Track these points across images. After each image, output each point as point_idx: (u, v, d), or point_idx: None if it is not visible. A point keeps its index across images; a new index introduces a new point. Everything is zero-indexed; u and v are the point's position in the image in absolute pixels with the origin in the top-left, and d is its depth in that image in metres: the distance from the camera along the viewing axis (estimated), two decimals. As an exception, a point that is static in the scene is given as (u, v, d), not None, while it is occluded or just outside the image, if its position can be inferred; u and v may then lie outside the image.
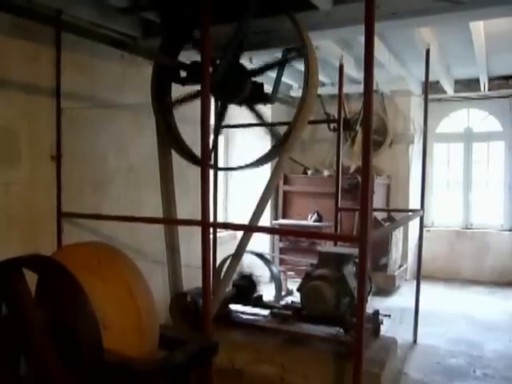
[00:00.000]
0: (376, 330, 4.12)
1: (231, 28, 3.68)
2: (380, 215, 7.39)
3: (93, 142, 4.32)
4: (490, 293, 7.41)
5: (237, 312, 4.53)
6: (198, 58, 3.29)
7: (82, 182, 4.22)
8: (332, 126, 7.57)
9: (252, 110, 3.99)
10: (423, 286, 5.39)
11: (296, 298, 4.60)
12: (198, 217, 3.14)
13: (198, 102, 3.16)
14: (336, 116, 5.87)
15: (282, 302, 4.82)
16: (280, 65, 3.96)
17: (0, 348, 2.20)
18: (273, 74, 4.19)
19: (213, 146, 4.04)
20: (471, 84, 7.86)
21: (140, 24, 4.44)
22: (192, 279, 3.97)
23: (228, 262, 3.86)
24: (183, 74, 3.87)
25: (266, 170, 5.01)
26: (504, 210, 8.48)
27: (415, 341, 5.15)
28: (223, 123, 4.33)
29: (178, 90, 4.10)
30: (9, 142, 3.63)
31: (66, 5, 3.72)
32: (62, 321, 2.14)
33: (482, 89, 7.69)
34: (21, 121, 3.69)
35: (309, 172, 8.31)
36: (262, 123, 4.07)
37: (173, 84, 4.13)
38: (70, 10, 3.77)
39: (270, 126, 4.14)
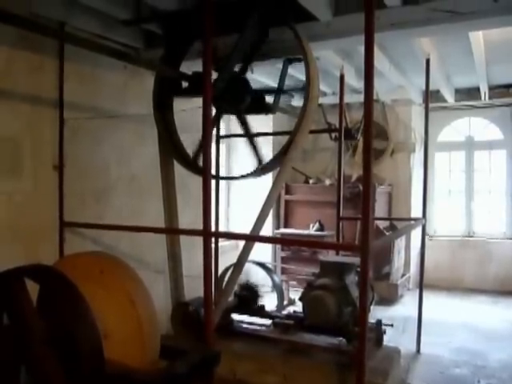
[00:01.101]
0: (379, 340, 4.10)
1: (233, 39, 3.71)
2: (382, 224, 7.38)
3: (95, 151, 4.34)
4: (493, 302, 7.37)
5: (238, 322, 4.52)
6: (199, 68, 3.31)
7: (84, 191, 4.23)
8: (333, 135, 7.60)
9: (241, 121, 4.00)
10: (426, 295, 5.37)
11: (298, 307, 4.59)
12: (200, 226, 3.15)
13: (199, 112, 3.18)
14: (337, 125, 5.89)
15: (284, 312, 4.81)
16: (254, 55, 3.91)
17: (1, 357, 2.20)
18: (274, 84, 4.22)
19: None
20: (472, 93, 7.89)
21: (142, 35, 4.49)
22: (193, 289, 3.96)
23: (230, 271, 3.85)
24: (185, 84, 3.90)
25: (267, 179, 5.01)
26: (506, 218, 8.47)
27: (418, 350, 5.12)
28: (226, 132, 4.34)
29: (179, 100, 4.13)
30: (12, 152, 3.66)
31: (70, 17, 3.77)
32: (63, 330, 2.14)
33: (483, 97, 7.71)
34: (24, 131, 3.72)
35: (310, 181, 8.32)
36: (263, 133, 4.08)
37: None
38: (74, 22, 3.82)
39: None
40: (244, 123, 3.96)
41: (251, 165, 4.02)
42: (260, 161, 3.90)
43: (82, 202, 4.19)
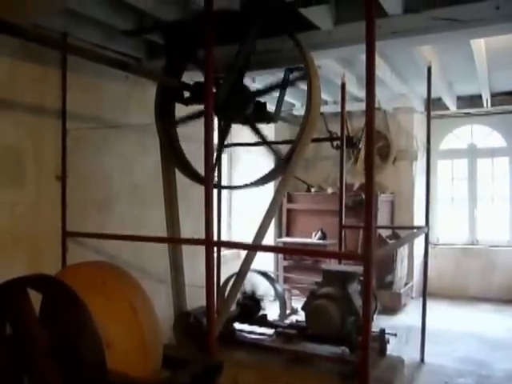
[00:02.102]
0: (382, 350, 4.07)
1: (234, 49, 3.72)
2: (384, 232, 7.36)
3: (97, 161, 4.35)
4: (497, 310, 7.31)
5: (241, 331, 4.50)
6: (201, 78, 3.33)
7: (87, 201, 4.23)
8: (335, 143, 7.60)
9: (253, 128, 4.01)
10: (429, 304, 5.34)
11: (301, 316, 4.57)
12: (202, 235, 3.14)
13: (201, 121, 3.19)
14: (339, 134, 5.89)
15: (287, 321, 4.79)
16: (283, 87, 3.99)
17: (3, 367, 2.19)
18: (276, 93, 4.23)
19: (217, 165, 4.05)
20: (474, 100, 7.89)
21: (144, 45, 4.51)
22: (196, 298, 3.95)
23: (232, 280, 3.84)
24: (186, 94, 3.91)
25: (269, 188, 5.01)
26: (510, 225, 8.42)
27: (422, 360, 5.08)
28: (226, 142, 4.35)
29: (181, 110, 4.14)
30: (15, 162, 3.67)
31: (72, 28, 3.79)
32: (66, 340, 2.13)
33: (485, 105, 7.71)
34: (27, 141, 3.73)
35: (312, 190, 8.31)
36: (264, 142, 4.08)
37: (176, 104, 4.17)
38: (76, 33, 3.84)
39: (272, 145, 4.13)
40: (254, 129, 3.98)
41: (253, 173, 4.02)
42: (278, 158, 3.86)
43: (84, 211, 4.19)
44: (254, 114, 3.89)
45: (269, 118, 4.02)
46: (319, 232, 7.56)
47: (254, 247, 3.60)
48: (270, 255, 7.96)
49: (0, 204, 3.55)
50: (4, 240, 3.54)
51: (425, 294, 5.28)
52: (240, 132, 4.70)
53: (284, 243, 7.74)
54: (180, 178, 4.21)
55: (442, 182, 8.93)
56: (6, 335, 2.22)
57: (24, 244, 3.68)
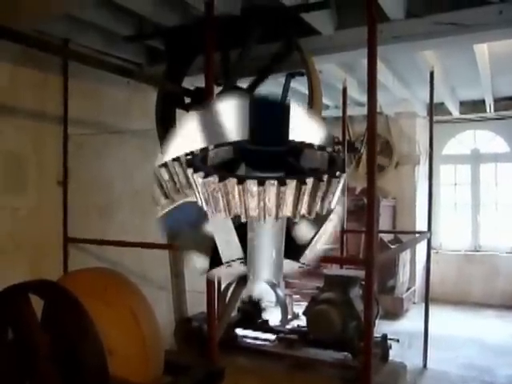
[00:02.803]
0: (384, 355, 4.05)
1: (234, 54, 3.73)
2: (386, 237, 7.34)
3: (99, 167, 4.35)
4: (500, 316, 7.26)
5: (242, 336, 4.48)
6: (202, 83, 3.32)
7: (88, 207, 4.23)
8: (336, 148, 7.58)
9: None
10: (432, 310, 5.30)
11: (302, 321, 4.55)
12: (203, 241, 3.12)
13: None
14: (340, 138, 5.89)
15: (288, 326, 4.77)
16: (272, 69, 3.92)
17: (5, 372, 2.18)
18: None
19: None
20: (477, 105, 7.85)
21: (145, 51, 4.52)
22: (197, 304, 3.93)
23: (232, 286, 3.83)
24: (187, 99, 3.92)
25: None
26: (513, 231, 8.38)
27: (425, 366, 5.05)
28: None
29: (182, 116, 4.14)
30: (17, 168, 3.67)
31: (74, 34, 3.81)
32: (68, 346, 2.13)
33: (488, 110, 7.67)
34: (28, 146, 3.74)
35: (314, 194, 8.28)
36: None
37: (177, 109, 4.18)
38: (77, 39, 3.85)
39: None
40: None
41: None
42: None
43: (85, 217, 4.19)
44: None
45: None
46: (321, 237, 7.53)
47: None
48: (272, 260, 7.92)
49: (2, 209, 3.55)
50: (6, 245, 3.54)
51: (427, 299, 5.25)
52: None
53: (286, 248, 7.70)
54: (181, 183, 4.20)
55: (445, 188, 8.88)
56: (8, 340, 2.22)
57: (26, 249, 3.68)
